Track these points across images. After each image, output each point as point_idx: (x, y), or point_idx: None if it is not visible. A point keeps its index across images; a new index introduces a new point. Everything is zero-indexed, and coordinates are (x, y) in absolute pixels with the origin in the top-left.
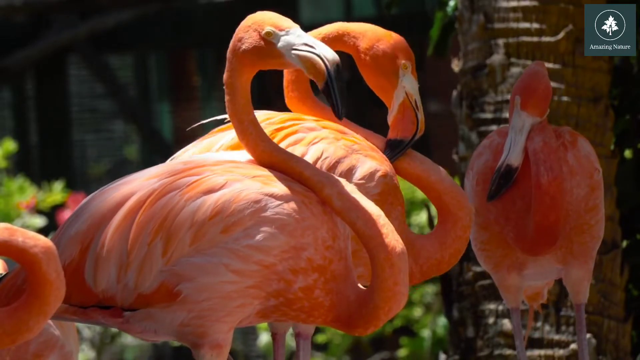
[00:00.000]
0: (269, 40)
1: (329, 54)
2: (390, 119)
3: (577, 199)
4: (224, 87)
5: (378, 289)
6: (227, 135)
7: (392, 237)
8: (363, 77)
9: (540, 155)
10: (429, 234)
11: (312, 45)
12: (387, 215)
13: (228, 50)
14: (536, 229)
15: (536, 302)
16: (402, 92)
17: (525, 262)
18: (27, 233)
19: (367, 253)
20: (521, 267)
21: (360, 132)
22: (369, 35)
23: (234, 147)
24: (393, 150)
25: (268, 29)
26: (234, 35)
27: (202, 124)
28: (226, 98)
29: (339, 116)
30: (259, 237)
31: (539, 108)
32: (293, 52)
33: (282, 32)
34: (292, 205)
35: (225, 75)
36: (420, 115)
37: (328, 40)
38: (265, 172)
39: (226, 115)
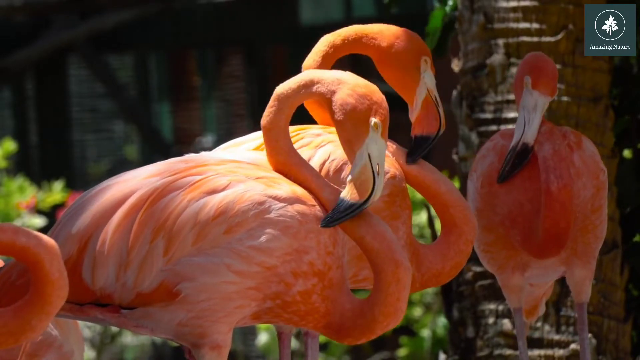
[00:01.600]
0: (366, 127)
1: (378, 193)
2: (413, 116)
3: (584, 200)
4: (272, 98)
5: (381, 303)
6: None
7: (399, 253)
8: (383, 76)
9: (550, 163)
10: (432, 245)
11: (380, 171)
12: (395, 217)
13: (307, 76)
14: (545, 235)
15: (533, 317)
16: (424, 88)
17: (529, 262)
18: (30, 232)
19: (372, 268)
20: (525, 267)
21: None
22: (387, 33)
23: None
24: (420, 146)
25: (377, 122)
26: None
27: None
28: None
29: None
30: (262, 238)
31: (550, 87)
32: (366, 157)
33: (377, 135)
34: (296, 207)
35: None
36: (442, 111)
37: (348, 43)
38: (269, 173)
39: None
